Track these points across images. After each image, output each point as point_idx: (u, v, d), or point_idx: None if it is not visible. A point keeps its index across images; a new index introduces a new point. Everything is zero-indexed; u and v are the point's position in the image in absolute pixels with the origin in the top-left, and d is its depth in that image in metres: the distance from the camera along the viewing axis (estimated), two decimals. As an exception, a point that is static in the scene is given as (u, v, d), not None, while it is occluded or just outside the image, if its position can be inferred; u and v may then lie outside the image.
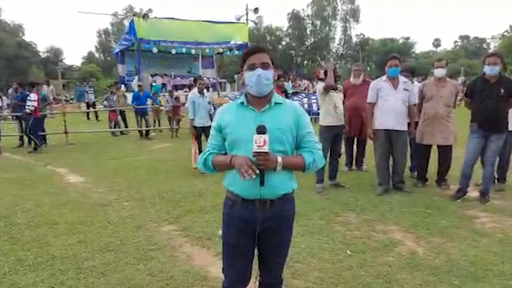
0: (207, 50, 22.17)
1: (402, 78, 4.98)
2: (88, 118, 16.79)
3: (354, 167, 6.42)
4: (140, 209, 4.58)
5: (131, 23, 20.52)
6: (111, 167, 7.16)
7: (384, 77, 4.98)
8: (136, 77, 20.15)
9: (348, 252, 3.28)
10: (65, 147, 9.86)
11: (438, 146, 5.17)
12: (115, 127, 12.35)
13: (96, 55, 58.09)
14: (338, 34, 53.92)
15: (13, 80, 13.36)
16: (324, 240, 3.51)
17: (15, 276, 3.00)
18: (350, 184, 5.41)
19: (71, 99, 24.38)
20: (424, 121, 5.16)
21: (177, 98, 12.46)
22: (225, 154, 1.91)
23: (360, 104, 5.54)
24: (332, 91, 5.09)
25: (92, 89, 18.24)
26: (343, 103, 5.31)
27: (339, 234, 3.66)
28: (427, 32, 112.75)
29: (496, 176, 5.08)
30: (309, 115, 2.41)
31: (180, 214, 4.33)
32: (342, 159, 6.01)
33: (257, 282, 2.08)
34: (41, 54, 50.85)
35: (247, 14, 24.63)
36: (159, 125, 12.85)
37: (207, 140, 2.13)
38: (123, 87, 18.75)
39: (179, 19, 21.73)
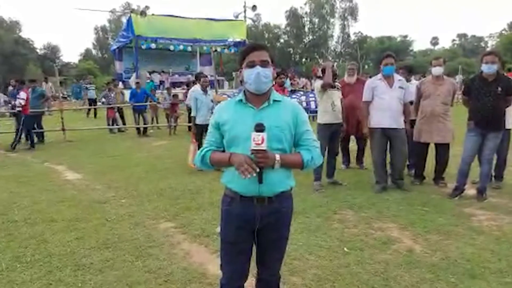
0: (204, 48, 22.10)
1: (397, 76, 4.99)
2: (89, 115, 16.72)
3: (355, 165, 6.43)
4: (138, 206, 4.57)
5: (129, 20, 20.42)
6: (109, 164, 7.15)
7: (379, 76, 4.98)
8: (134, 74, 20.09)
9: (345, 249, 3.29)
10: (62, 144, 9.83)
11: (436, 144, 5.18)
12: (112, 124, 12.33)
13: (94, 52, 57.80)
14: (336, 32, 54.10)
15: (11, 77, 13.33)
16: (321, 238, 3.52)
17: (13, 273, 3.00)
18: (348, 182, 5.42)
19: (68, 96, 24.29)
20: (421, 119, 5.17)
21: (175, 96, 12.43)
22: (223, 151, 1.91)
23: (357, 103, 5.54)
24: (331, 89, 5.10)
25: (93, 85, 18.18)
26: (341, 101, 5.32)
27: (336, 232, 3.67)
28: (425, 31, 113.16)
29: (493, 174, 5.10)
30: (307, 113, 2.39)
31: (178, 211, 4.33)
32: (340, 157, 6.03)
33: (255, 279, 2.09)
34: (38, 51, 50.54)
35: (245, 11, 24.65)
36: (157, 122, 12.82)
37: None
38: (120, 84, 18.67)
39: (177, 17, 21.71)
